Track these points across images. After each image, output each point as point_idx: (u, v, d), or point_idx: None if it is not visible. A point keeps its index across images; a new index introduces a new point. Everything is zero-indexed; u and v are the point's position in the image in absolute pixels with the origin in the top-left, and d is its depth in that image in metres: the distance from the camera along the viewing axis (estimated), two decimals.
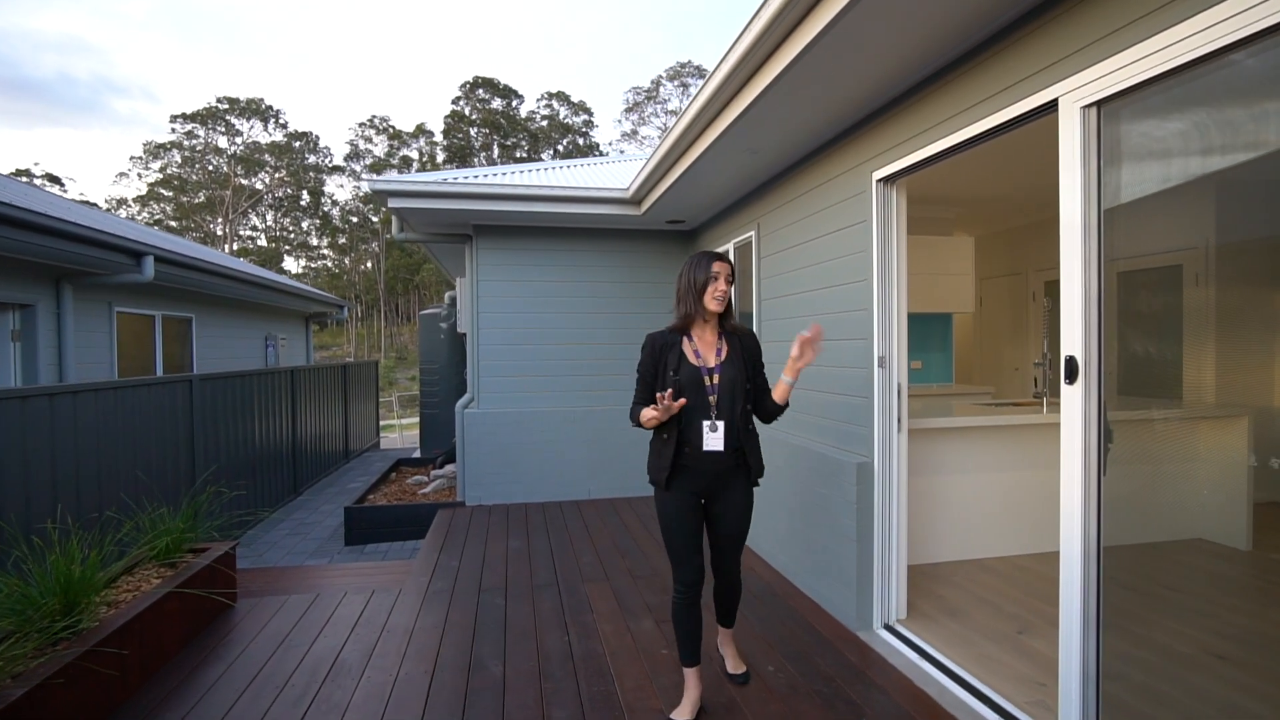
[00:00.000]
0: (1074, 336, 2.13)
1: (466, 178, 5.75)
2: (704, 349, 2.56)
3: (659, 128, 54.17)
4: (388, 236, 46.36)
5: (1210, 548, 4.53)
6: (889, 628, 3.31)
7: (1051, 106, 2.21)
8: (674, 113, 54.15)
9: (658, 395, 2.41)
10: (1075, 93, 2.11)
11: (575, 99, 54.72)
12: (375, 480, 7.55)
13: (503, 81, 51.51)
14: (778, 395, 2.57)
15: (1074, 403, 2.14)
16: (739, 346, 2.59)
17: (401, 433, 19.45)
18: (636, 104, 55.28)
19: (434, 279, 44.64)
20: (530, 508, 6.02)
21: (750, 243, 4.92)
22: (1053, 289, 6.81)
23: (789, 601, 3.73)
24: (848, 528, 3.38)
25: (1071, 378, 2.14)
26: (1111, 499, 2.12)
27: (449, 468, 7.79)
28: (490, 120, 50.09)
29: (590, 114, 54.94)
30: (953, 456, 4.17)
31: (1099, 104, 2.07)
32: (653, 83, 55.15)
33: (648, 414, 2.46)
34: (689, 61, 53.09)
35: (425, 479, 7.62)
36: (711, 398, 2.49)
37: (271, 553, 5.68)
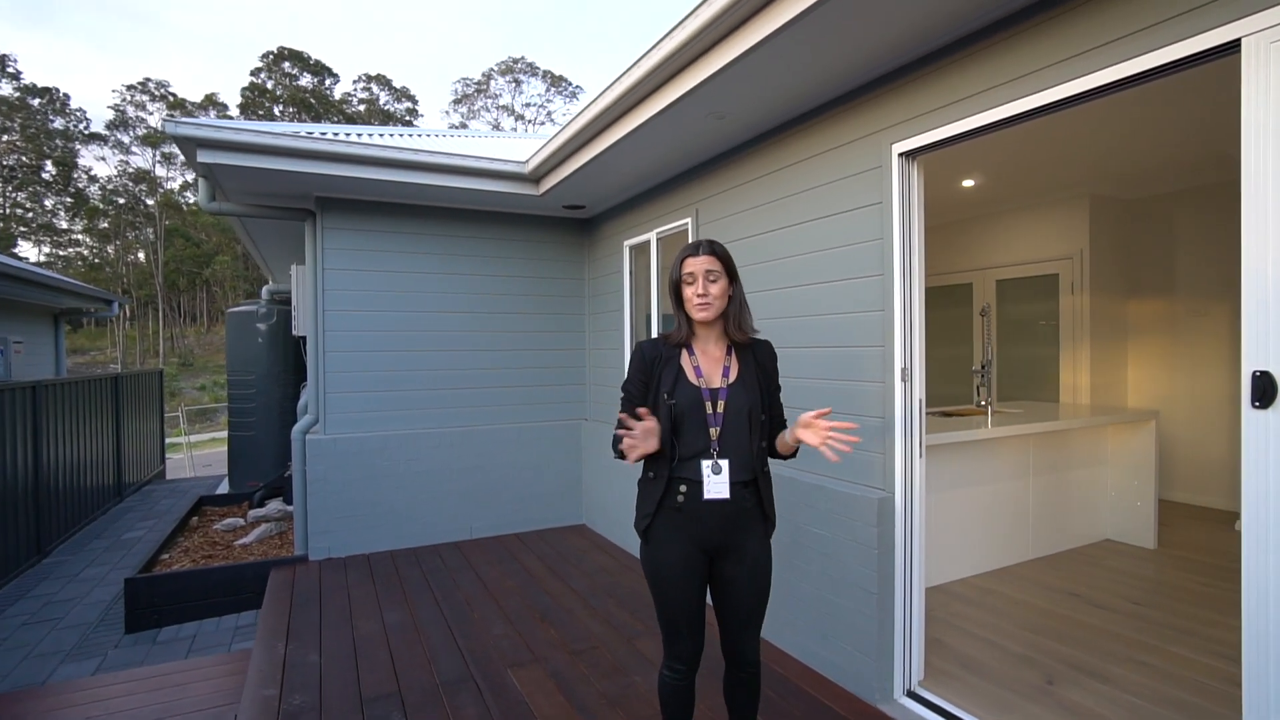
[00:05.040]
0: (1273, 345, 1.65)
1: (313, 133, 4.37)
2: (708, 366, 1.99)
3: (490, 122, 52.08)
4: (166, 223, 39.41)
5: (1120, 548, 4.62)
6: (913, 694, 2.73)
7: (1230, 48, 1.72)
8: (506, 108, 52.34)
9: (640, 412, 1.83)
10: (1270, 31, 1.63)
11: (398, 84, 50.85)
12: (170, 529, 5.69)
13: (313, 56, 46.32)
14: (782, 449, 2.02)
15: (1274, 436, 1.65)
16: (753, 364, 2.02)
17: (191, 452, 16.19)
18: (466, 95, 52.67)
19: (231, 272, 38.75)
20: (400, 557, 4.75)
21: (685, 232, 4.18)
22: (935, 294, 6.91)
23: (775, 667, 3.03)
24: (864, 578, 2.75)
25: (1266, 400, 1.65)
26: None
27: (274, 505, 6.15)
28: (298, 98, 44.76)
29: (415, 101, 51.40)
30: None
31: None
32: (484, 75, 52.89)
33: (627, 443, 1.83)
34: (522, 57, 51.78)
35: (242, 522, 5.92)
36: (713, 430, 1.91)
37: None
